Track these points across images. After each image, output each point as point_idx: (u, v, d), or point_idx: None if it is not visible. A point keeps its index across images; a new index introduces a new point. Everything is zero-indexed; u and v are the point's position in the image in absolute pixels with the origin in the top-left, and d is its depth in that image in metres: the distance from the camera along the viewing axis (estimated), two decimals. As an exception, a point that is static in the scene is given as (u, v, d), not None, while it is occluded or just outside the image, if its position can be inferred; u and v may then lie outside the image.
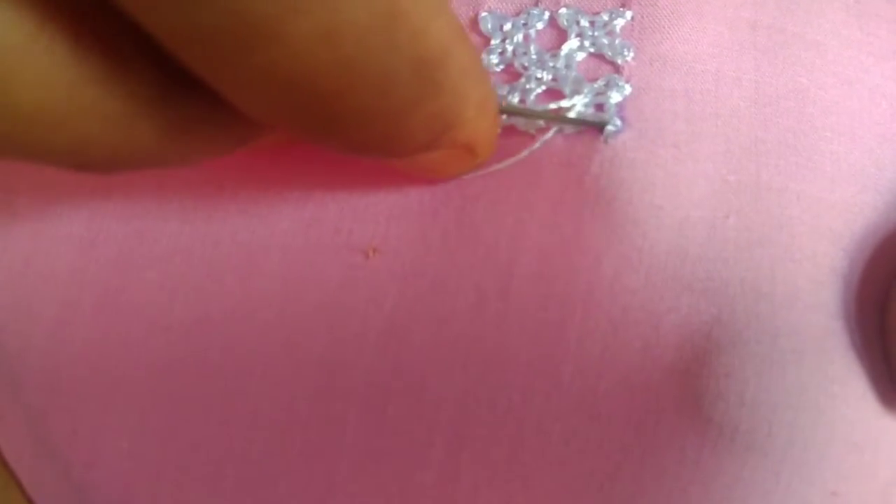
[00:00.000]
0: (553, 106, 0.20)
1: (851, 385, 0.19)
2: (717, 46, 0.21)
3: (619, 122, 0.20)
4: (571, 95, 0.21)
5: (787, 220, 0.20)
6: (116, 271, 0.19)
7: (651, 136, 0.20)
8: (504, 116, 0.20)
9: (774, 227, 0.20)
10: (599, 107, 0.20)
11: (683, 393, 0.18)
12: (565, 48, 0.21)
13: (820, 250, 0.20)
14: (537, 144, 0.20)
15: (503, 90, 0.21)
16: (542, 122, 0.20)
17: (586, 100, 0.20)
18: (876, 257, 0.21)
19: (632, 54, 0.21)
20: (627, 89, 0.21)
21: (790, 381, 0.19)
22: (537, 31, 0.22)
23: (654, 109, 0.20)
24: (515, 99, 0.21)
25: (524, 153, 0.20)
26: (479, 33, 0.22)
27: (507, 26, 0.22)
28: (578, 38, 0.21)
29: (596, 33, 0.21)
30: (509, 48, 0.22)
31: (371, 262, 0.20)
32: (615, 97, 0.20)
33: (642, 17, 0.21)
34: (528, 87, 0.21)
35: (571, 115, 0.20)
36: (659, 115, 0.20)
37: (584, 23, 0.21)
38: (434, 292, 0.19)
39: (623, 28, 0.21)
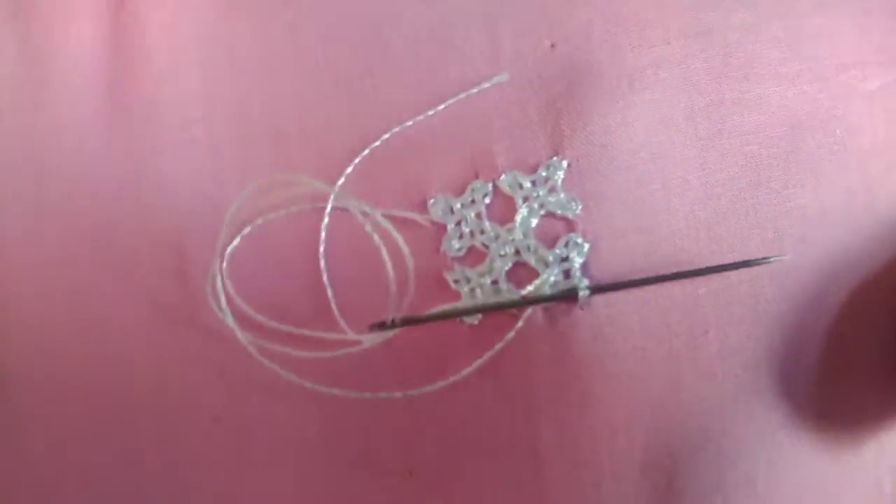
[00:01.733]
0: (526, 290, 0.22)
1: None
2: (658, 158, 0.22)
3: (587, 289, 0.21)
4: (538, 266, 0.22)
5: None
6: None
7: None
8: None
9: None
10: (566, 273, 0.22)
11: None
12: (518, 218, 0.22)
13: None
14: (520, 323, 0.22)
15: (472, 275, 0.22)
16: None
17: (555, 271, 0.22)
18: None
19: (580, 206, 0.22)
20: (586, 247, 0.22)
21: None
22: (486, 206, 0.22)
23: (613, 257, 0.22)
24: (488, 281, 0.22)
25: (511, 334, 0.22)
26: (432, 221, 0.23)
27: (457, 207, 0.23)
28: (527, 204, 0.22)
29: (540, 192, 0.22)
30: (466, 230, 0.22)
31: (411, 482, 0.22)
32: (577, 260, 0.22)
33: (578, 160, 0.22)
34: (495, 265, 0.22)
35: (546, 289, 0.22)
36: (619, 262, 0.22)
37: (527, 184, 0.22)
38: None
39: (564, 180, 0.22)
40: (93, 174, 0.24)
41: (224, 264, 0.23)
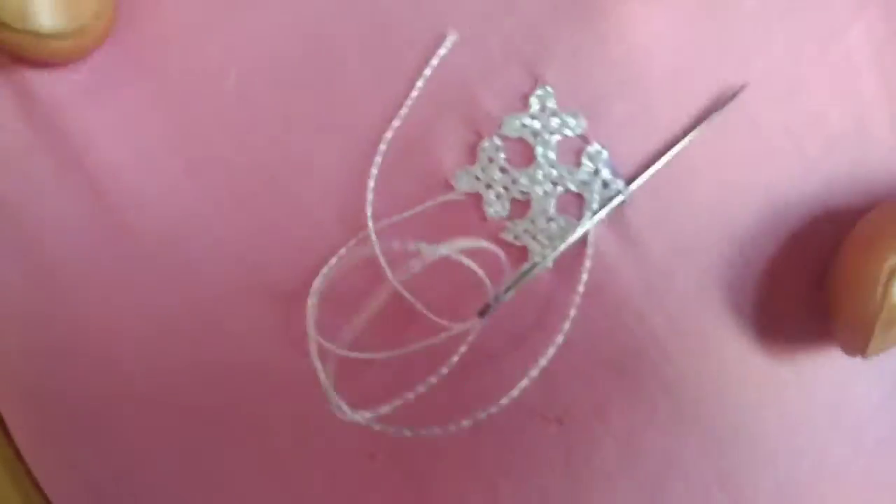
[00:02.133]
0: (584, 222, 0.23)
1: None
2: (626, 36, 0.23)
3: (625, 186, 0.23)
4: (580, 189, 0.23)
5: None
6: None
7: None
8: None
9: None
10: (605, 183, 0.23)
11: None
12: (538, 154, 0.23)
13: None
14: (590, 249, 0.23)
15: (527, 224, 0.23)
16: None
17: (595, 186, 0.23)
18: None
19: (583, 120, 0.23)
20: (604, 153, 0.23)
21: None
22: (505, 159, 0.23)
23: (633, 146, 0.23)
24: (544, 218, 0.23)
25: (588, 262, 0.23)
26: (466, 194, 0.23)
27: (480, 174, 0.23)
28: (539, 139, 0.23)
29: (542, 124, 0.23)
30: (500, 190, 0.23)
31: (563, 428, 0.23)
32: (605, 169, 0.23)
33: (559, 78, 0.23)
34: (542, 206, 0.23)
35: (595, 206, 0.23)
36: (640, 147, 0.23)
37: (528, 121, 0.23)
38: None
39: (558, 103, 0.23)
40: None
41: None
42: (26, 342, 0.22)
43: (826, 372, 0.24)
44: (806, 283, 0.24)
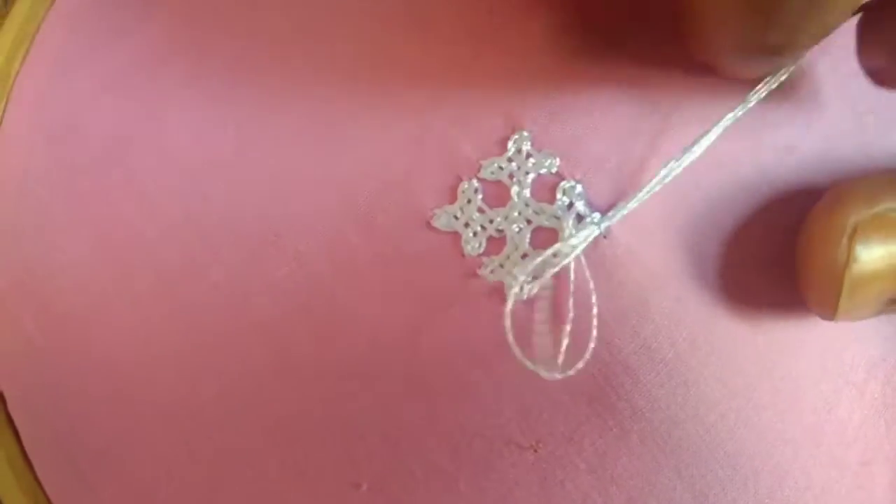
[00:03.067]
0: (555, 248, 0.24)
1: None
2: (594, 81, 0.24)
3: (602, 221, 0.24)
4: (553, 224, 0.24)
5: None
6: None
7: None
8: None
9: None
10: (579, 217, 0.24)
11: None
12: (514, 194, 0.24)
13: None
14: (573, 276, 0.24)
15: (502, 260, 0.24)
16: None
17: (569, 220, 0.24)
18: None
19: (557, 159, 0.24)
20: (578, 187, 0.24)
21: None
22: (482, 199, 0.24)
23: (609, 179, 0.24)
24: (518, 254, 0.24)
25: (572, 288, 0.24)
26: (442, 233, 0.24)
27: (458, 213, 0.24)
28: (514, 180, 0.24)
29: (518, 165, 0.24)
30: (477, 228, 0.24)
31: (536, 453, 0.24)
32: (579, 202, 0.24)
33: (534, 122, 0.25)
34: (517, 242, 0.24)
35: (573, 242, 0.24)
36: (616, 180, 0.24)
37: (503, 163, 0.24)
38: None
39: (533, 142, 0.24)
40: None
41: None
42: (41, 374, 0.25)
43: (805, 395, 0.24)
44: (780, 303, 0.24)
